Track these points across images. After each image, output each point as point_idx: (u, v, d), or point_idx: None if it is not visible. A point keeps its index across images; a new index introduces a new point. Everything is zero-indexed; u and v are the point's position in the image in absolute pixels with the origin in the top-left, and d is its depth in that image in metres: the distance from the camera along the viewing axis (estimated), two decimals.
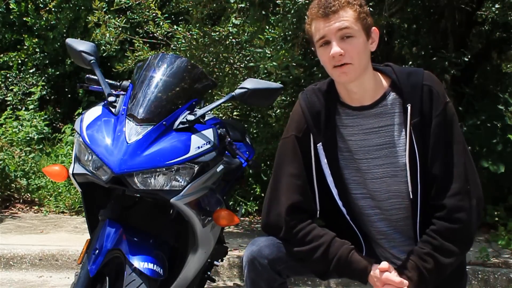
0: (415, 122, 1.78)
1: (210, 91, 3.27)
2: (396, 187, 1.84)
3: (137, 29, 5.40)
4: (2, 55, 6.46)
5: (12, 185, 4.98)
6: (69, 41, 2.40)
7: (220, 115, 4.48)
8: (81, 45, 2.36)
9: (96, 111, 2.20)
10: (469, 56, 4.57)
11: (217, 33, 3.76)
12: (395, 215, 1.88)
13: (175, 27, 4.01)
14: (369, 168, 1.85)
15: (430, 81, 1.81)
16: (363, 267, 1.79)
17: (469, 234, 1.80)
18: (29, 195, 5.02)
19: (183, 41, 3.84)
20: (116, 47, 4.50)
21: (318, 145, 1.86)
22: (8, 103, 6.13)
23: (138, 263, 1.99)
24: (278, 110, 4.42)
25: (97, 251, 2.01)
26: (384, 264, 1.77)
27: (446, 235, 1.77)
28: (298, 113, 1.90)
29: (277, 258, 1.87)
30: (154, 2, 3.99)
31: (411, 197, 1.81)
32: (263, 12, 3.74)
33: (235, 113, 4.68)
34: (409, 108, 1.78)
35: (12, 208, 4.90)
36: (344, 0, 1.72)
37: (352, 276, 1.82)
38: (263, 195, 4.58)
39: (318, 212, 1.89)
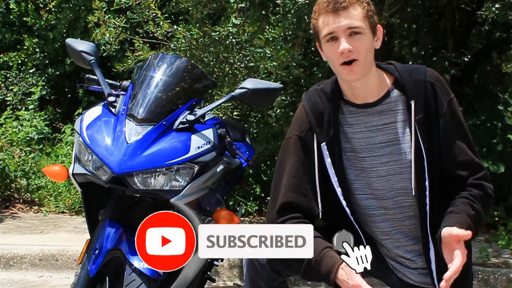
0: (419, 118, 1.79)
1: (210, 91, 3.27)
2: (401, 184, 1.83)
3: (137, 29, 5.38)
4: (2, 55, 6.45)
5: (12, 185, 4.97)
6: (69, 41, 2.40)
7: (220, 115, 4.48)
8: (81, 45, 2.36)
9: (96, 111, 2.20)
10: (469, 56, 4.56)
11: (217, 33, 3.75)
12: (400, 214, 1.87)
13: (175, 27, 4.00)
14: (374, 166, 1.84)
15: (433, 78, 1.82)
16: (331, 266, 1.66)
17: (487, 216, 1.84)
18: (29, 195, 5.01)
19: (183, 41, 3.84)
20: (116, 47, 4.49)
21: (322, 144, 1.85)
22: (8, 103, 6.11)
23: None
24: (278, 110, 4.41)
25: (97, 251, 2.01)
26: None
27: (480, 200, 1.77)
28: (301, 113, 1.90)
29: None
30: (154, 2, 3.98)
31: (414, 193, 1.81)
32: (263, 12, 3.74)
33: (235, 113, 4.67)
34: (412, 104, 1.79)
35: (12, 208, 4.88)
36: None
37: (319, 277, 1.71)
38: (263, 195, 4.58)
39: (320, 213, 1.87)
